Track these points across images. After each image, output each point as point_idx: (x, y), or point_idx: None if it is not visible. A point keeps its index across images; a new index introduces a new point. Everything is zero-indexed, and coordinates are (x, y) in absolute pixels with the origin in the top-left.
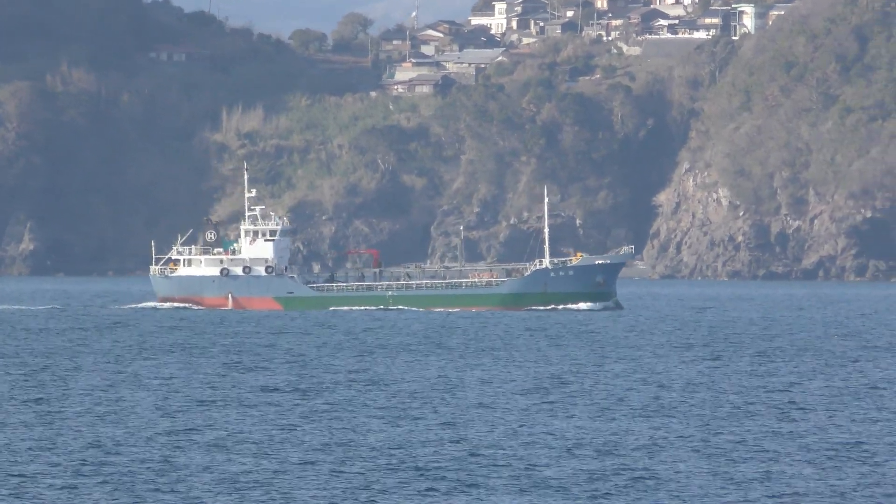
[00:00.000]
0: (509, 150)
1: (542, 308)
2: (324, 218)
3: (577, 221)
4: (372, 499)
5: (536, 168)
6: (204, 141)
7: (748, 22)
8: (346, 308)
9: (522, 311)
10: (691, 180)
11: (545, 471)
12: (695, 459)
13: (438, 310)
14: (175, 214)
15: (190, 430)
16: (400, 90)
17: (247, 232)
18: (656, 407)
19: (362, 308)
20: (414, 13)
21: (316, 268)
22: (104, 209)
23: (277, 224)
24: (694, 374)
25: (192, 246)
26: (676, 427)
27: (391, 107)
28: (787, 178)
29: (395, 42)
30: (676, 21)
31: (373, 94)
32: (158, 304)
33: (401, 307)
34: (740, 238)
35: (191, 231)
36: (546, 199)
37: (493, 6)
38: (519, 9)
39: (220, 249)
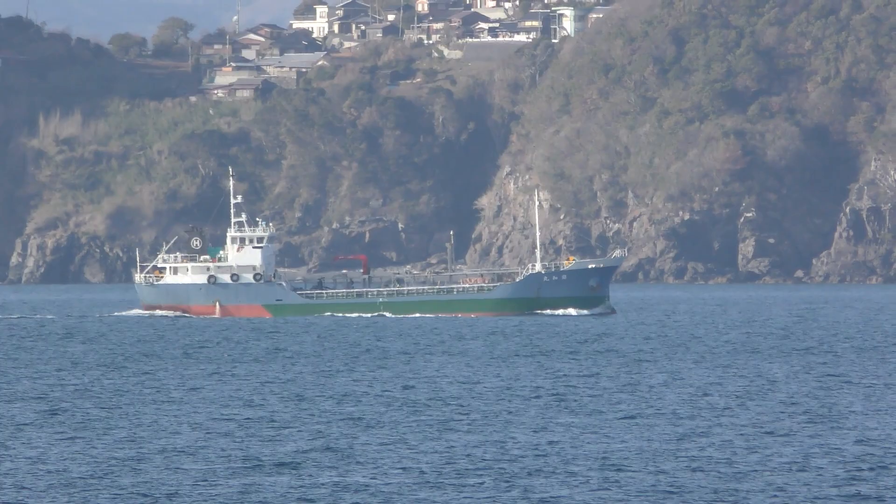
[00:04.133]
0: (331, 155)
1: (537, 313)
2: (143, 224)
3: (400, 226)
4: None
5: (358, 172)
6: (20, 147)
7: (568, 25)
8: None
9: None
10: (512, 184)
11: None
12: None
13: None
14: None
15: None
16: (220, 95)
17: (234, 239)
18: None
19: (355, 315)
20: (235, 17)
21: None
22: None
23: (265, 231)
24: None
25: (177, 253)
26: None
27: (211, 111)
28: (606, 180)
29: (215, 46)
30: (497, 24)
31: (193, 98)
32: (144, 312)
33: (392, 314)
34: (561, 241)
35: (175, 238)
36: (537, 204)
37: (315, 10)
38: (340, 12)
39: (207, 257)
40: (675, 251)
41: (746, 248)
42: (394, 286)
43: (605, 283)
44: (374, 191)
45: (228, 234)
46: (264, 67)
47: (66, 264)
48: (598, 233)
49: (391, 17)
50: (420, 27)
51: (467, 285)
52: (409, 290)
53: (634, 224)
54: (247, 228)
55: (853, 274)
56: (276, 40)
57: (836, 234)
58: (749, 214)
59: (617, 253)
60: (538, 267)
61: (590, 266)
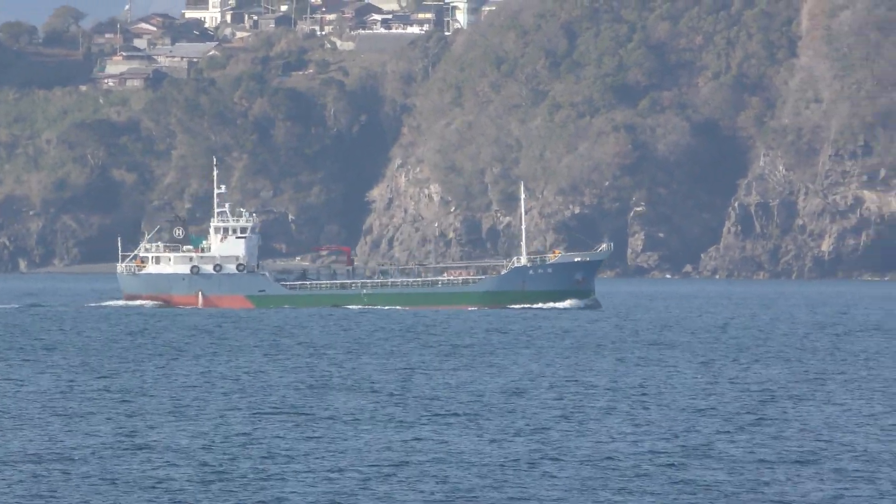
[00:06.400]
0: (221, 145)
1: (519, 307)
2: (31, 213)
3: (290, 217)
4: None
5: (248, 163)
6: None
7: (461, 17)
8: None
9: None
10: (403, 176)
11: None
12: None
13: (417, 308)
14: None
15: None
16: (111, 84)
17: (217, 229)
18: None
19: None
20: (127, 6)
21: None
22: None
23: (248, 221)
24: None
25: (159, 243)
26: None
27: (101, 100)
28: (497, 173)
29: (107, 35)
30: (390, 16)
31: (83, 87)
32: (126, 302)
33: (377, 306)
34: (451, 234)
35: (157, 227)
36: (522, 196)
37: (208, 0)
38: (233, 2)
39: (190, 247)
40: (564, 244)
41: (636, 242)
42: (378, 278)
43: (591, 276)
44: (264, 182)
45: (212, 224)
46: (155, 57)
47: None
48: (488, 226)
49: (284, 8)
50: (313, 18)
51: (452, 278)
52: (393, 282)
53: (525, 217)
54: (230, 219)
55: (741, 269)
56: (168, 30)
57: (725, 229)
58: (639, 209)
59: (603, 247)
60: (523, 260)
61: (575, 259)
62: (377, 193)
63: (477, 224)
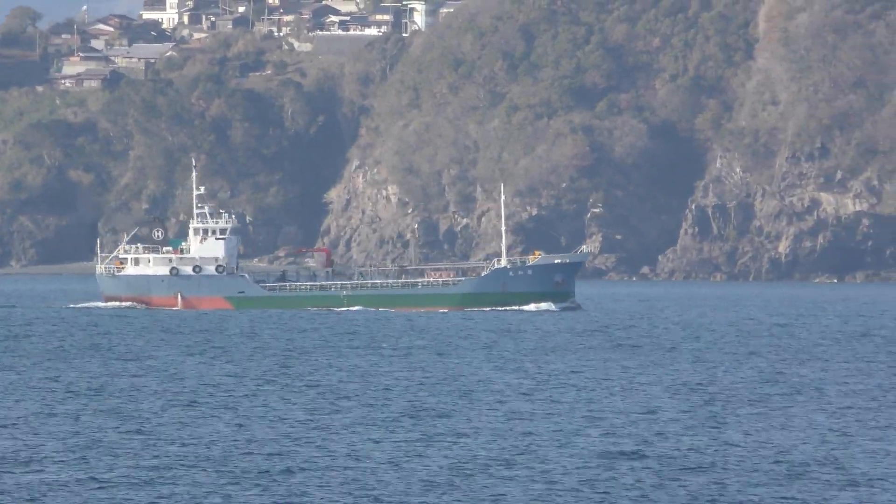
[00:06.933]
0: (178, 146)
1: (500, 308)
2: None
3: (248, 218)
4: None
5: (206, 164)
6: None
7: (419, 19)
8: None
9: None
10: (361, 177)
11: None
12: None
13: (395, 310)
14: None
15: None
16: (68, 84)
17: (196, 230)
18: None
19: (316, 308)
20: (84, 7)
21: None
22: None
23: (227, 222)
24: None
25: (138, 244)
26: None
27: (58, 101)
28: (455, 175)
29: (64, 36)
30: (348, 17)
31: (40, 88)
32: (104, 304)
33: (356, 307)
34: (409, 235)
35: (136, 229)
36: (502, 198)
37: (165, 1)
38: (191, 3)
39: (169, 248)
40: (522, 246)
41: (593, 244)
42: (357, 279)
43: (571, 278)
44: (222, 183)
45: (191, 226)
46: (113, 58)
47: None
48: (445, 227)
49: (241, 9)
50: (270, 19)
51: (432, 279)
52: (373, 283)
53: (483, 219)
54: (209, 220)
55: (698, 271)
56: (126, 31)
57: (682, 231)
58: (596, 210)
59: (583, 249)
60: (504, 261)
61: (555, 261)
62: (335, 195)
63: (434, 225)
